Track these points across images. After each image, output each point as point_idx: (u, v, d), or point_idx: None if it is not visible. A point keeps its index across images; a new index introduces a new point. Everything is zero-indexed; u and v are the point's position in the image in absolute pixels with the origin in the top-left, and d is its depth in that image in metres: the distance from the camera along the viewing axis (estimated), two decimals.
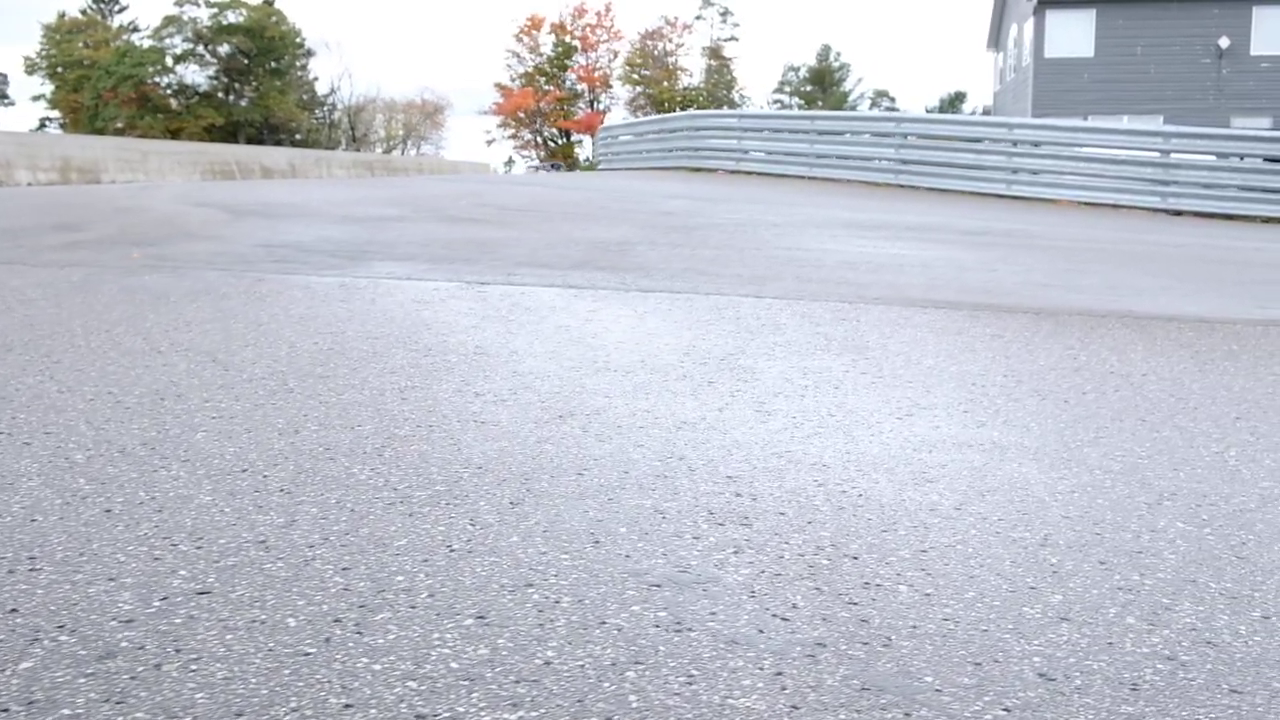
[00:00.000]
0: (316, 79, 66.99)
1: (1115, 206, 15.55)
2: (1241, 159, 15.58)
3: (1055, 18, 26.92)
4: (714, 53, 64.69)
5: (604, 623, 1.88)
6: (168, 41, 58.93)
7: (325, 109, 66.95)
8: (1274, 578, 2.23)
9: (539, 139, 65.52)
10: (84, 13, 60.83)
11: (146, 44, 58.97)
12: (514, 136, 65.70)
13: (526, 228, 8.82)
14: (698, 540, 2.29)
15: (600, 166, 26.37)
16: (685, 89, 63.15)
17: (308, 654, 1.73)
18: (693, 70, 66.03)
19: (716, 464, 2.83)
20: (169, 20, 58.50)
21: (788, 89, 67.32)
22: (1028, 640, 1.89)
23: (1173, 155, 15.55)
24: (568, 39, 63.75)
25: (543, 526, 2.34)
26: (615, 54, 64.48)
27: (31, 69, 59.43)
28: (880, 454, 3.00)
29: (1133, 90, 26.38)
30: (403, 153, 67.08)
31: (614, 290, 5.67)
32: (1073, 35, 26.78)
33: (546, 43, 64.23)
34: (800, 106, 63.50)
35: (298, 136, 62.26)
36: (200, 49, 59.36)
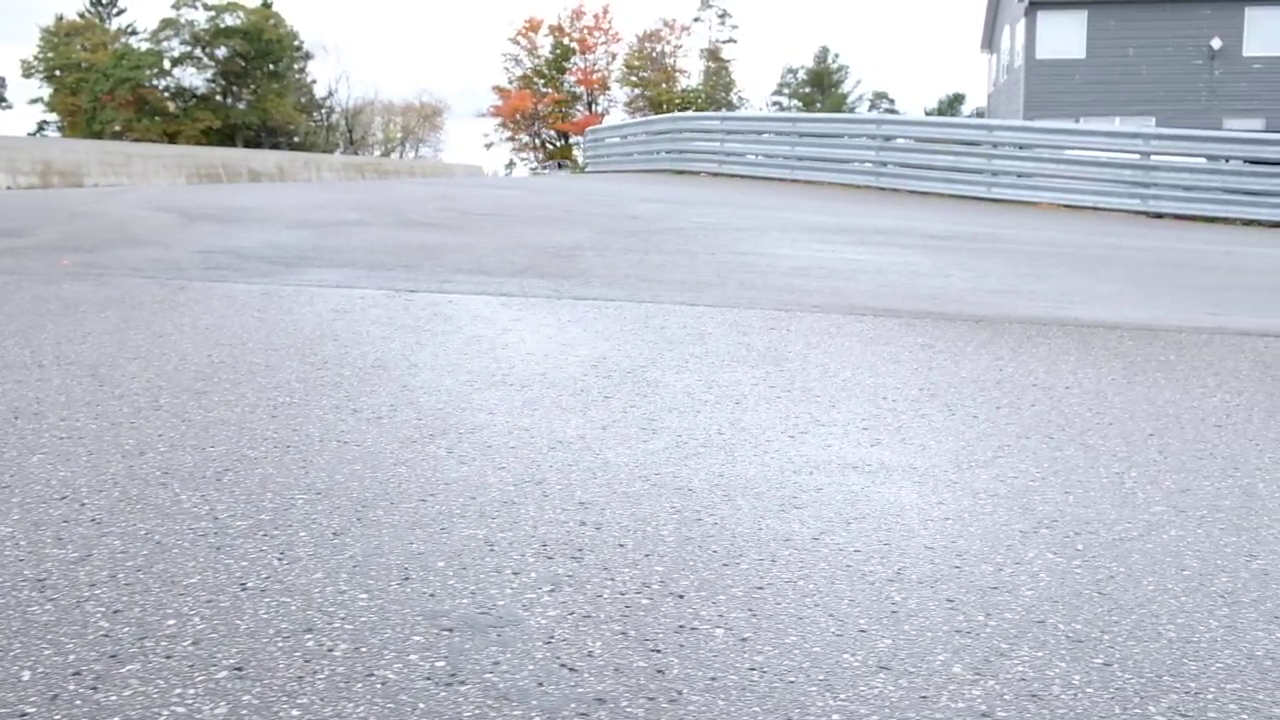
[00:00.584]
0: (314, 81, 66.89)
1: (1095, 209, 15.37)
2: (1226, 161, 15.39)
3: (1046, 19, 26.72)
4: (712, 54, 64.50)
5: (371, 675, 1.73)
6: (165, 44, 58.87)
7: (323, 112, 66.85)
8: (1130, 617, 2.07)
9: (537, 141, 65.38)
10: (82, 15, 60.73)
11: (144, 47, 58.88)
12: (512, 139, 65.57)
13: (481, 233, 8.68)
14: (517, 576, 2.14)
15: (588, 169, 26.23)
16: (684, 91, 62.96)
17: (25, 715, 1.58)
18: (691, 72, 65.91)
19: (574, 489, 2.68)
20: (166, 23, 58.43)
21: (786, 91, 67.12)
22: (834, 694, 1.73)
23: (1152, 157, 15.37)
24: (566, 41, 63.60)
25: (355, 561, 2.19)
26: (613, 56, 64.34)
27: (29, 72, 59.34)
28: (755, 477, 2.84)
29: (1124, 92, 26.18)
30: (401, 155, 66.94)
31: (545, 298, 5.52)
32: (1064, 36, 26.58)
33: (544, 45, 64.12)
34: (798, 108, 63.29)
35: (295, 139, 62.13)
36: (198, 52, 59.28)
